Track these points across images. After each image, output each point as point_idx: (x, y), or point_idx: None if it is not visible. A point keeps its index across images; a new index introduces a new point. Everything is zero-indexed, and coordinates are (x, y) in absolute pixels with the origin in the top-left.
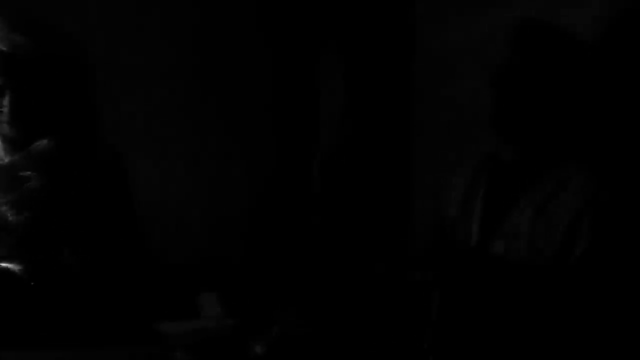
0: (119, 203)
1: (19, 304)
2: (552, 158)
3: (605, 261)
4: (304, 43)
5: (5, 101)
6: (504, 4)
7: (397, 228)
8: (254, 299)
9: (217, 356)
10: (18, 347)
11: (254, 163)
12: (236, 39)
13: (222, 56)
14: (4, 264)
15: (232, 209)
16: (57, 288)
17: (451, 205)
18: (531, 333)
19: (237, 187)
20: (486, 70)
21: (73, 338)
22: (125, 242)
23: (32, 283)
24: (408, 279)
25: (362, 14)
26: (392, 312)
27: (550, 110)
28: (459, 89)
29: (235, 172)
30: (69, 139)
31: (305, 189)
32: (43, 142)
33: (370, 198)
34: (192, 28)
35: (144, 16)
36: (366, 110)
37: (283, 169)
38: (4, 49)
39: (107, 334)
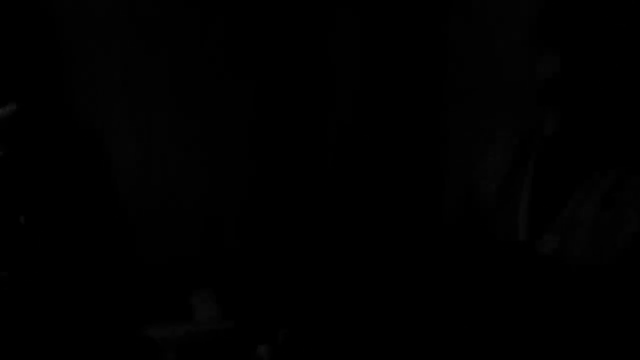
0: (94, 187)
1: None
2: (623, 149)
3: None
4: (317, 10)
5: None
6: None
7: (425, 208)
8: (255, 297)
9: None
10: None
11: (253, 143)
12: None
13: (229, 26)
14: None
15: (229, 196)
16: (34, 289)
17: (487, 192)
18: (595, 349)
19: (234, 169)
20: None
21: (53, 345)
22: (102, 234)
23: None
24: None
25: None
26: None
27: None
28: (498, 49)
29: (230, 157)
30: (34, 105)
31: (320, 173)
32: (5, 107)
33: (394, 175)
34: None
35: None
36: (389, 75)
37: (289, 147)
38: None
39: (93, 339)
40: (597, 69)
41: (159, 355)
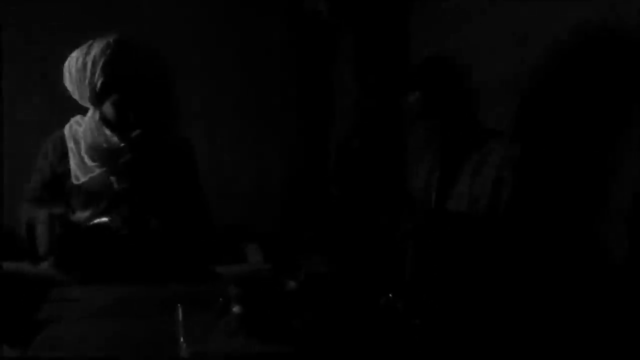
0: (188, 175)
1: (113, 249)
2: (479, 141)
3: (525, 199)
4: (322, 49)
5: (131, 115)
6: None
7: (395, 193)
8: (285, 249)
9: (260, 290)
10: (109, 282)
11: (285, 144)
12: (269, 48)
13: (261, 61)
14: (103, 219)
15: (268, 180)
16: (141, 238)
17: (418, 179)
18: (474, 270)
19: (272, 162)
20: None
21: (152, 276)
22: (193, 204)
23: (124, 233)
24: (402, 229)
25: (367, 27)
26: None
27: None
28: None
29: (271, 151)
30: (152, 129)
31: (326, 165)
32: (137, 132)
33: (376, 171)
34: (237, 43)
35: (200, 31)
36: (372, 103)
37: (307, 148)
38: (134, 73)
39: (179, 274)
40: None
41: (224, 283)
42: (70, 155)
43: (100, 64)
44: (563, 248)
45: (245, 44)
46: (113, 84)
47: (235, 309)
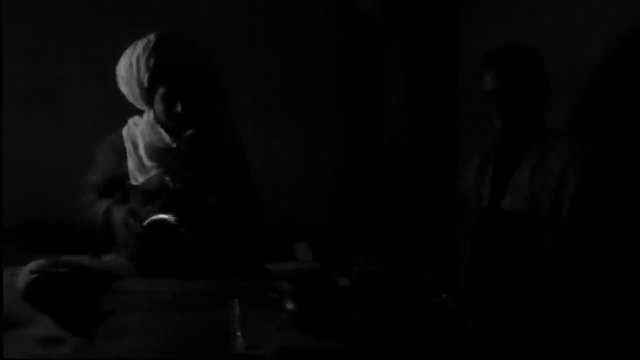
0: (239, 173)
1: (172, 244)
2: (538, 136)
3: (592, 198)
4: (371, 49)
5: (178, 106)
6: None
7: (443, 193)
8: (335, 247)
9: (313, 287)
10: (169, 276)
11: (335, 143)
12: (320, 47)
13: (312, 62)
14: (162, 215)
15: (318, 179)
16: (195, 235)
17: (467, 179)
18: (531, 272)
19: (322, 161)
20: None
21: (206, 272)
22: (244, 202)
23: (182, 229)
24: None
25: (417, 27)
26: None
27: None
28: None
29: (321, 150)
30: (204, 128)
31: (375, 163)
32: (189, 131)
33: (425, 169)
34: (289, 44)
35: (251, 31)
36: (421, 103)
37: (357, 147)
38: (177, 65)
39: (231, 270)
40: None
41: (276, 281)
42: (128, 156)
43: (144, 59)
44: (628, 251)
45: (296, 43)
46: (159, 77)
47: (289, 305)
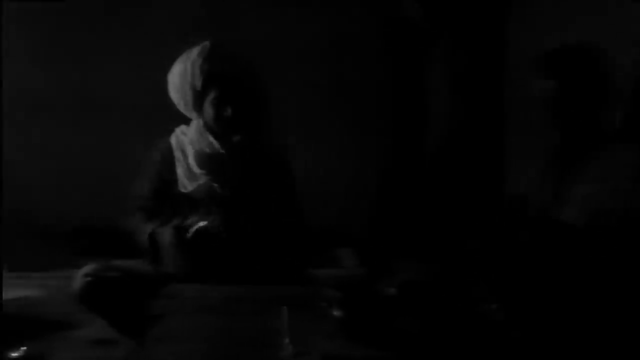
0: (284, 180)
1: (214, 251)
2: (602, 143)
3: None
4: (416, 54)
5: (228, 110)
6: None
7: (490, 195)
8: (380, 253)
9: (360, 294)
10: (212, 282)
11: (378, 148)
12: (364, 52)
13: (355, 67)
14: (206, 222)
15: (362, 184)
16: (240, 241)
17: (524, 184)
18: (590, 285)
19: (366, 167)
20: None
21: (250, 278)
22: (288, 209)
23: (224, 236)
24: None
25: (463, 32)
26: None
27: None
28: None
29: (364, 155)
30: (251, 135)
31: (419, 170)
32: (237, 137)
33: (471, 175)
34: (332, 50)
35: (295, 37)
36: (467, 107)
37: (400, 152)
38: (229, 71)
39: (276, 276)
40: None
41: (322, 287)
42: (177, 164)
43: (198, 65)
44: None
45: (340, 48)
46: (211, 82)
47: (336, 312)
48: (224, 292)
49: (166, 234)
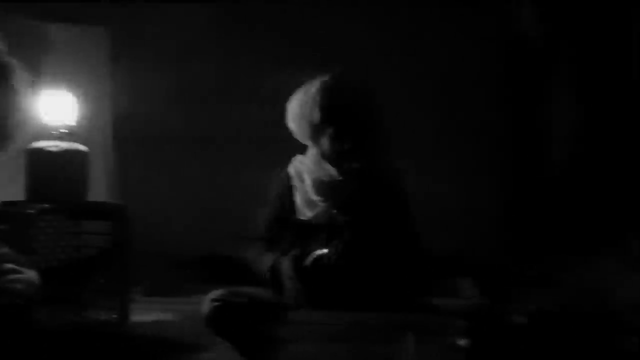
0: (400, 206)
1: (332, 279)
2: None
3: None
4: (534, 74)
5: (345, 145)
6: None
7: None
8: (502, 281)
9: (487, 324)
10: (327, 309)
11: (497, 171)
12: (480, 76)
13: (471, 89)
14: (324, 250)
15: (482, 211)
16: (358, 269)
17: None
18: None
19: (485, 192)
20: None
21: (371, 305)
22: (405, 236)
23: (342, 263)
24: None
25: (587, 48)
26: None
27: None
28: None
29: (483, 180)
30: (367, 161)
31: (541, 195)
32: (355, 164)
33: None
34: (449, 70)
35: (409, 61)
36: (595, 127)
37: (520, 176)
38: (347, 103)
39: (395, 304)
40: None
41: (444, 316)
42: (296, 192)
43: (318, 100)
44: None
45: (456, 72)
46: (328, 119)
47: (462, 342)
48: (347, 319)
49: (285, 264)
